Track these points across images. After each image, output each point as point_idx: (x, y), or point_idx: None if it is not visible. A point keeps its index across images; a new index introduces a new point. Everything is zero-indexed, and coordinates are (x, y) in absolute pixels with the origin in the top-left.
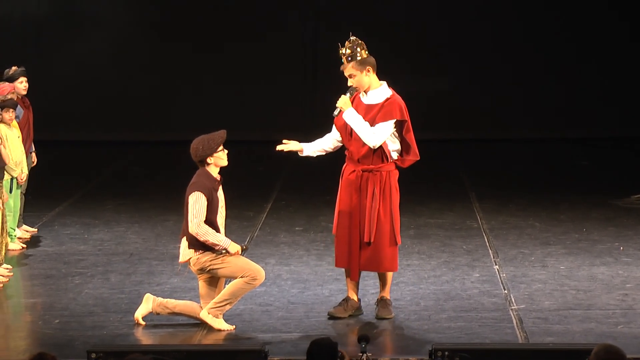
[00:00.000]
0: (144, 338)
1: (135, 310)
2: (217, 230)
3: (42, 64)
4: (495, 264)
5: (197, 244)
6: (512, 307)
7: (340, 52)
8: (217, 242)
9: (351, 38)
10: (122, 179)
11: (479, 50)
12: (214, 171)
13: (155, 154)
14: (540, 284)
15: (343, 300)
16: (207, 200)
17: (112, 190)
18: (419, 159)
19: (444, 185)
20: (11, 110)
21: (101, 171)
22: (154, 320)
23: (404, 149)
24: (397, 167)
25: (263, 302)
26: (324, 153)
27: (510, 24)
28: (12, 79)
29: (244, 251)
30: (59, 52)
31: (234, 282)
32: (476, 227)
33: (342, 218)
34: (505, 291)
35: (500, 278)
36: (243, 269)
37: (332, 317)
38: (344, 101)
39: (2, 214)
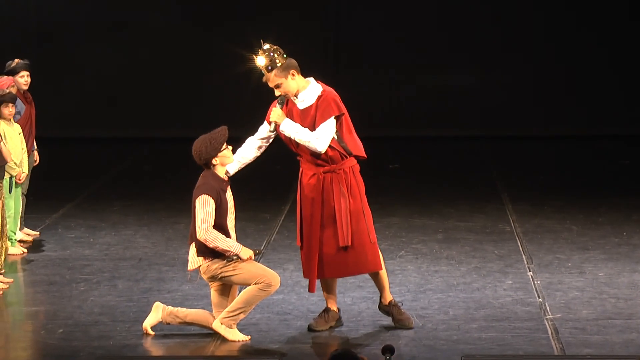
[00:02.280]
0: (153, 349)
1: (144, 319)
2: (227, 234)
3: (45, 59)
4: (529, 270)
5: (206, 251)
6: (547, 317)
7: (257, 64)
8: (227, 248)
9: (264, 47)
10: (131, 179)
11: (515, 43)
12: (221, 171)
13: (165, 152)
14: (578, 291)
15: (323, 311)
16: (216, 203)
17: (120, 191)
18: (363, 155)
19: (474, 185)
20: (10, 105)
21: (108, 170)
22: (163, 330)
23: (352, 141)
24: (359, 161)
25: (281, 310)
26: (249, 161)
27: (549, 16)
28: (13, 72)
29: (257, 255)
30: (63, 47)
31: (247, 289)
32: (509, 231)
33: (308, 227)
34: (540, 299)
35: (535, 285)
36: (257, 275)
37: (312, 329)
38: (277, 114)
39: (2, 216)
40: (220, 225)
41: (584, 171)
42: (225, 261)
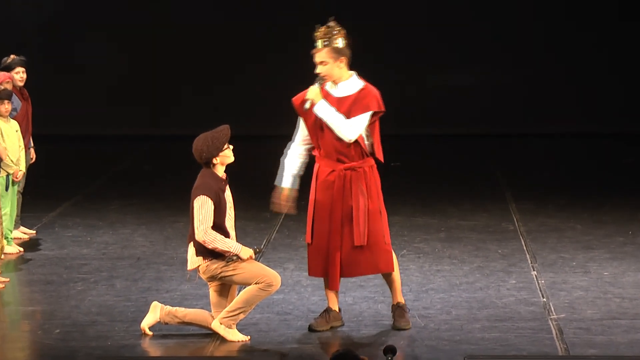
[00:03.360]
0: (152, 349)
1: (142, 319)
2: (226, 234)
3: (43, 55)
4: (533, 270)
5: (205, 252)
6: (552, 317)
7: (316, 34)
8: (226, 249)
9: (330, 23)
10: (129, 177)
11: (516, 41)
12: (220, 170)
13: (164, 151)
14: (582, 291)
15: (324, 311)
16: (214, 203)
17: (118, 189)
18: (381, 159)
19: (477, 184)
20: (6, 101)
21: (106, 168)
22: (162, 330)
23: (374, 145)
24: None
25: (281, 310)
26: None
27: (551, 13)
28: (8, 68)
29: (257, 254)
30: (62, 43)
31: (247, 289)
32: (512, 230)
33: (320, 224)
34: (544, 299)
35: (539, 285)
36: (257, 274)
37: (313, 330)
38: (314, 93)
39: None
40: (218, 225)
41: (588, 169)
42: (225, 261)
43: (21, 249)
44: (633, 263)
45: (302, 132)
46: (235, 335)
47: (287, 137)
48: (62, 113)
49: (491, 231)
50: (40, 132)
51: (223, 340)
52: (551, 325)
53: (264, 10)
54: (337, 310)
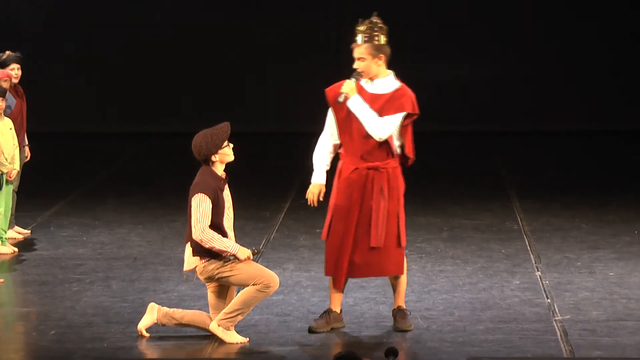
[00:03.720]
0: (149, 351)
1: (139, 320)
2: (224, 234)
3: (39, 51)
4: (538, 270)
5: (203, 251)
6: (556, 318)
7: (358, 28)
8: (224, 249)
9: (373, 18)
10: (125, 176)
11: (522, 34)
12: (220, 169)
13: (162, 148)
14: (588, 292)
15: (324, 312)
16: (212, 202)
17: (114, 188)
18: (414, 158)
19: (480, 182)
20: (0, 99)
21: (102, 167)
22: (159, 332)
23: (405, 146)
24: (401, 164)
25: (281, 311)
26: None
27: (557, 9)
28: (3, 65)
29: (255, 254)
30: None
31: (245, 290)
32: (516, 229)
33: (337, 222)
34: (549, 300)
35: (543, 285)
36: (255, 275)
37: (313, 331)
38: (349, 87)
39: None
40: (216, 225)
41: (593, 168)
42: (222, 262)
43: (16, 249)
44: (639, 263)
45: (330, 126)
46: (233, 337)
47: (281, 133)
48: (57, 110)
49: (495, 231)
50: (35, 129)
51: (221, 342)
52: (556, 326)
53: (264, 11)
54: (339, 311)
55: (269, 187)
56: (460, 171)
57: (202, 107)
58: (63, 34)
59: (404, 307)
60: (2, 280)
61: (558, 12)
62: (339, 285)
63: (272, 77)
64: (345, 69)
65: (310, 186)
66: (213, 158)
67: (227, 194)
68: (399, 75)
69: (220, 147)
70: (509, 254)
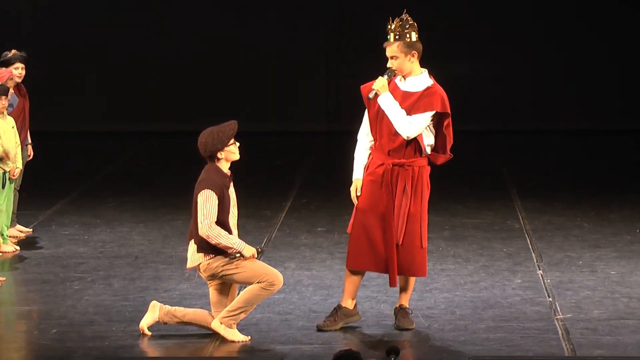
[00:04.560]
0: (150, 350)
1: (140, 319)
2: (229, 231)
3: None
4: (539, 269)
5: (208, 248)
6: (558, 317)
7: (389, 27)
8: (230, 245)
9: (404, 16)
10: (126, 174)
11: (522, 34)
12: (225, 166)
13: (163, 147)
14: (589, 290)
15: (334, 309)
16: (219, 198)
17: (115, 187)
18: (451, 157)
19: (482, 181)
20: (3, 97)
21: (103, 165)
22: (160, 331)
23: (440, 145)
24: (430, 163)
25: (282, 310)
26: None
27: (557, 9)
28: (7, 63)
29: (259, 254)
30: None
31: (248, 288)
32: (518, 228)
33: (361, 216)
34: (550, 299)
35: (545, 284)
36: (259, 273)
37: (322, 330)
38: (381, 84)
39: None
40: (222, 222)
41: (595, 167)
42: (227, 259)
43: (17, 248)
44: None
45: (366, 124)
46: (235, 336)
47: (282, 132)
48: (58, 109)
49: (496, 229)
50: (37, 128)
51: (223, 340)
52: (557, 325)
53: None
54: (351, 306)
55: (270, 186)
56: (461, 170)
57: (203, 107)
58: (63, 34)
59: (407, 305)
60: (3, 278)
61: (558, 12)
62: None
63: (274, 77)
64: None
65: (352, 184)
66: (219, 155)
67: (232, 191)
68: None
69: (226, 144)
70: (511, 252)
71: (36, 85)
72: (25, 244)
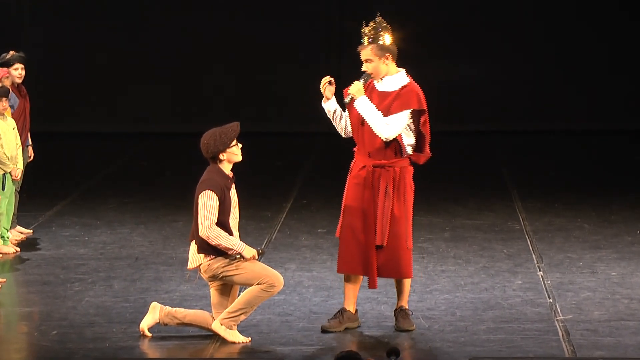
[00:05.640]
0: (150, 351)
1: (141, 320)
2: (230, 232)
3: (39, 49)
4: (540, 270)
5: (208, 249)
6: (558, 318)
7: (363, 30)
8: (230, 246)
9: (377, 19)
10: (127, 175)
11: (523, 34)
12: (227, 168)
13: (164, 147)
14: (589, 292)
15: (338, 312)
16: (220, 199)
17: (116, 188)
18: (431, 155)
19: (483, 182)
20: (4, 99)
21: (104, 166)
22: (161, 332)
23: (419, 143)
24: (412, 163)
25: (282, 311)
26: (341, 124)
27: (559, 6)
28: (7, 64)
29: (260, 255)
30: (59, 37)
31: (249, 289)
32: (518, 229)
33: (348, 219)
34: (551, 300)
35: (545, 285)
36: (260, 275)
37: (326, 331)
38: (356, 88)
39: None
40: (222, 223)
41: (596, 167)
42: (227, 260)
43: (18, 249)
44: None
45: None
46: (236, 337)
47: (282, 133)
48: (60, 110)
49: (497, 231)
50: (37, 129)
51: (223, 341)
52: (558, 326)
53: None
54: (353, 311)
55: (271, 187)
56: (462, 171)
57: (204, 107)
58: (64, 33)
59: (407, 307)
60: (4, 280)
61: (558, 12)
62: (354, 281)
63: (275, 77)
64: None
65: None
66: (221, 156)
67: (233, 193)
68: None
69: (228, 146)
70: (511, 254)
71: (37, 86)
72: (25, 245)
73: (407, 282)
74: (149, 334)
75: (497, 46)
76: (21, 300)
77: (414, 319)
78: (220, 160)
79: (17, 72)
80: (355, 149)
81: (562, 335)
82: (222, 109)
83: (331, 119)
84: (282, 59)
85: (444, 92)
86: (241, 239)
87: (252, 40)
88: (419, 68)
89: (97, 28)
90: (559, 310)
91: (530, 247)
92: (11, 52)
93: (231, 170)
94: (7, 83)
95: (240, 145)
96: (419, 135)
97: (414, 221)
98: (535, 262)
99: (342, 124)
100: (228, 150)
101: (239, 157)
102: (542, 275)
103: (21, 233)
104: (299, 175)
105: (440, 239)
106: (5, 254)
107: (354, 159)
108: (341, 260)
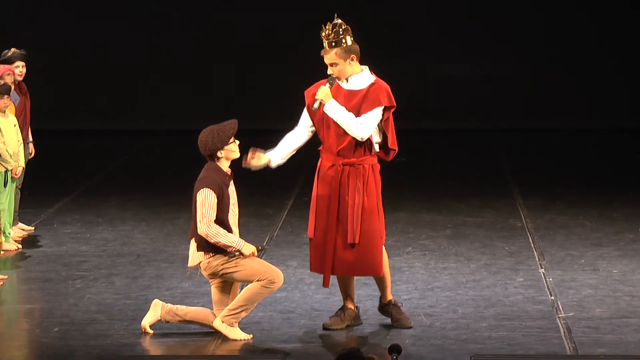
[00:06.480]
0: (152, 348)
1: (142, 317)
2: (229, 230)
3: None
4: (541, 267)
5: (207, 246)
6: (560, 315)
7: (323, 34)
8: (229, 244)
9: (336, 21)
10: (129, 172)
11: (523, 31)
12: (225, 165)
13: (165, 145)
14: (591, 289)
15: (339, 309)
16: (217, 197)
17: (118, 185)
18: (397, 150)
19: (484, 179)
20: (5, 96)
21: (106, 164)
22: (162, 329)
23: (385, 139)
24: (379, 161)
25: (284, 308)
26: (295, 152)
27: (557, 9)
28: (8, 62)
29: (260, 252)
30: (56, 34)
31: (249, 286)
32: (520, 227)
33: (320, 219)
34: (552, 297)
35: (547, 283)
36: (260, 271)
37: (327, 328)
38: (324, 93)
39: None
40: (221, 221)
41: (598, 165)
42: (227, 257)
43: (19, 246)
44: None
45: (306, 118)
46: (237, 334)
47: (283, 130)
48: (60, 107)
49: (498, 228)
50: (38, 126)
51: (225, 339)
52: (559, 323)
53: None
54: (353, 308)
55: (272, 184)
56: (463, 168)
57: (204, 105)
58: (63, 33)
59: (394, 300)
60: (5, 277)
61: (558, 12)
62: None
63: (273, 75)
64: None
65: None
66: (219, 154)
67: (232, 190)
68: (397, 74)
69: (226, 143)
70: (513, 251)
71: (37, 84)
72: (27, 242)
73: (387, 275)
74: (151, 331)
75: (497, 46)
76: (23, 298)
77: (416, 316)
78: (219, 158)
79: (18, 69)
80: (321, 147)
81: (564, 332)
82: (222, 107)
83: (294, 153)
84: (285, 58)
85: (446, 90)
86: (242, 236)
87: (252, 38)
88: (419, 68)
89: (99, 26)
90: (560, 307)
91: (532, 245)
92: (12, 50)
93: (230, 167)
94: (9, 80)
95: (237, 142)
96: (384, 132)
97: (415, 219)
98: (537, 259)
99: (301, 142)
100: (226, 147)
101: (236, 154)
102: (543, 273)
103: (23, 230)
104: (301, 172)
105: (442, 236)
106: (7, 250)
107: (321, 158)
108: (312, 259)
